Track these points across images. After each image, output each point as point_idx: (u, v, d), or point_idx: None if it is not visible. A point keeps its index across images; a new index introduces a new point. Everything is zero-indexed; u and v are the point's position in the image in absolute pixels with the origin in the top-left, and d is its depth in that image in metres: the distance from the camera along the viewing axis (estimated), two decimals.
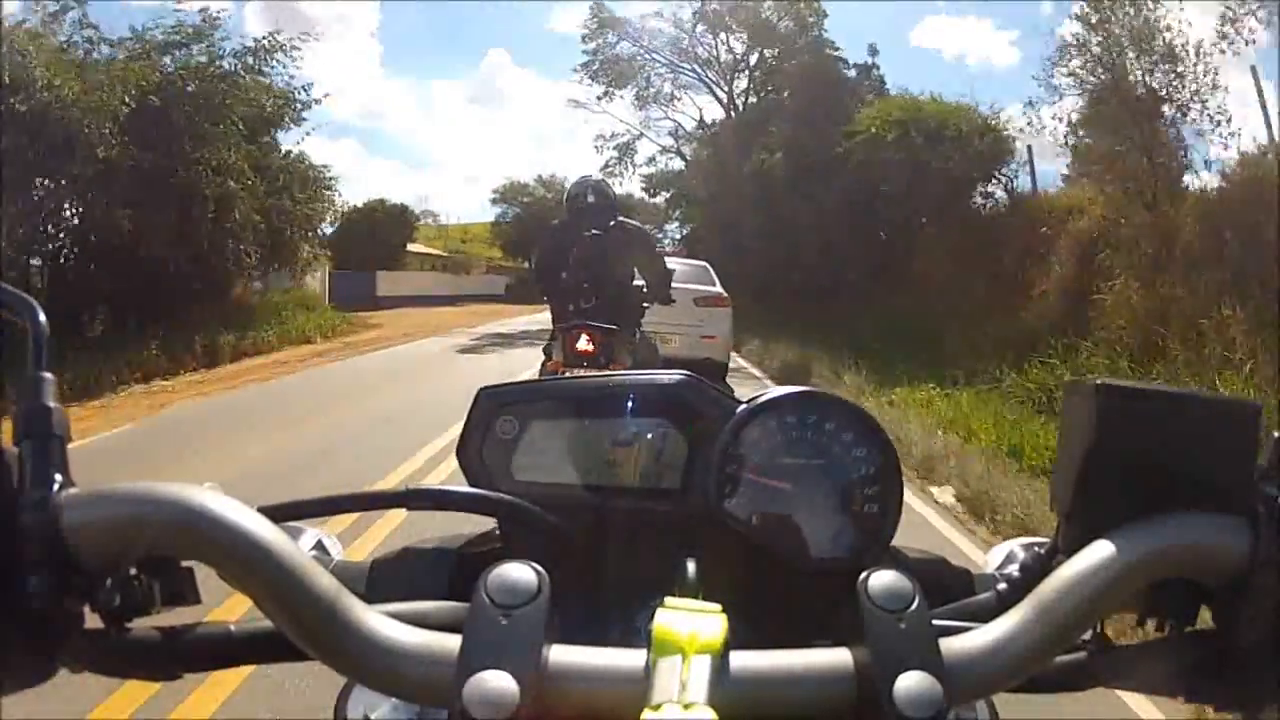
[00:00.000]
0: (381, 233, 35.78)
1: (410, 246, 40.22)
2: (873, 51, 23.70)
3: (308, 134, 14.77)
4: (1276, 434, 0.38)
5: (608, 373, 0.57)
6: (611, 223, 3.70)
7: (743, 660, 0.34)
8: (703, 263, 9.82)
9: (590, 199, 3.70)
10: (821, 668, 0.35)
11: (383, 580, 0.50)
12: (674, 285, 3.98)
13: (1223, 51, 8.02)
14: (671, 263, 4.74)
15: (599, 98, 29.51)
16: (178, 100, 10.14)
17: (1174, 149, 8.31)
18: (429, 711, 0.51)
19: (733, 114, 27.66)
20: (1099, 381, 0.39)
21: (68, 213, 9.98)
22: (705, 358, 7.84)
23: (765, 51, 27.00)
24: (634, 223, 4.11)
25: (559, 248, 3.72)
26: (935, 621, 0.36)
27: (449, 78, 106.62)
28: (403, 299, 29.37)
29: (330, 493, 0.47)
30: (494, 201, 48.66)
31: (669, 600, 0.36)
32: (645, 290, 3.78)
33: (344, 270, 29.49)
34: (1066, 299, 8.33)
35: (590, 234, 3.57)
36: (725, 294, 8.94)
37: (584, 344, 3.33)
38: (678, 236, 40.98)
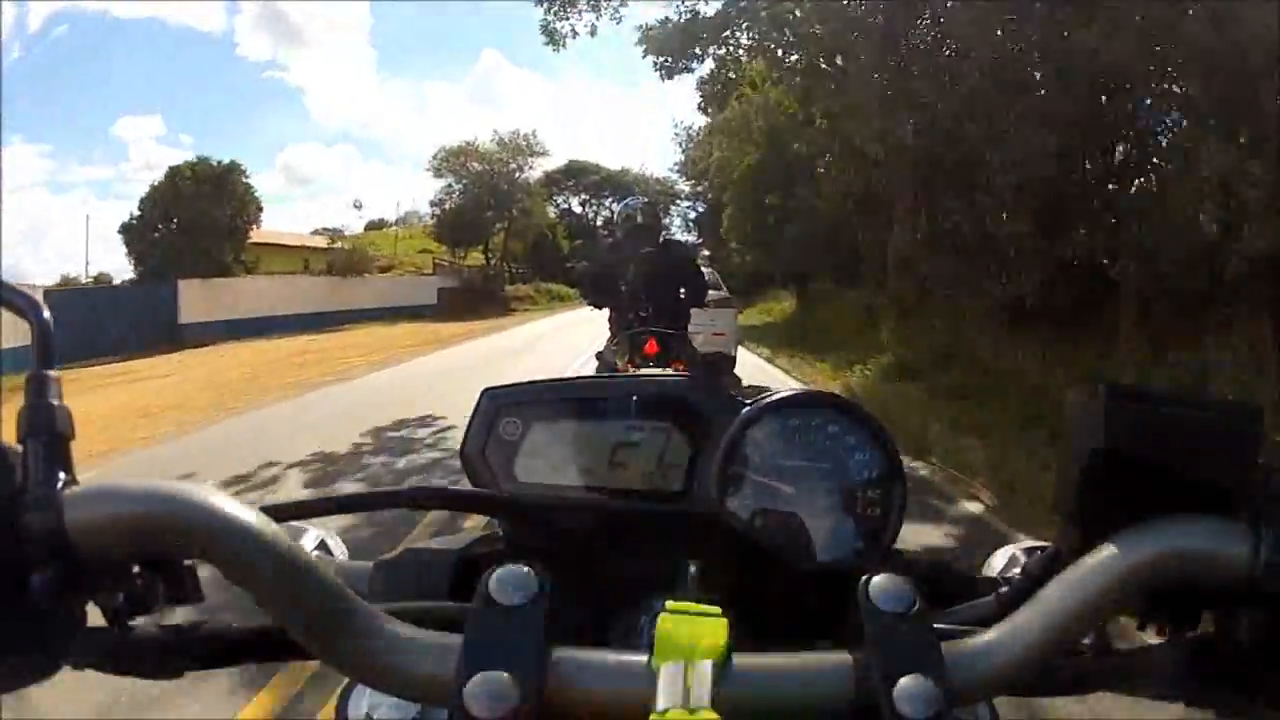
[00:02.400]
0: (193, 215, 20.93)
1: (260, 234, 25.21)
2: None
3: None
4: (1279, 437, 0.38)
5: (611, 374, 0.58)
6: (660, 239, 4.36)
7: (745, 663, 0.34)
8: (711, 270, 10.51)
9: (641, 220, 4.29)
10: (822, 670, 0.35)
11: (385, 580, 0.50)
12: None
13: None
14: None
15: None
16: None
17: None
18: (430, 711, 0.51)
19: None
20: (1102, 384, 0.39)
21: None
22: (716, 351, 8.71)
23: None
24: (678, 240, 5.49)
25: (615, 263, 4.28)
26: (936, 625, 0.36)
27: (444, 80, 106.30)
28: (234, 325, 17.79)
29: (334, 492, 0.47)
30: (436, 172, 34.42)
31: (670, 603, 0.36)
32: (684, 296, 4.28)
33: (105, 284, 19.41)
34: None
35: (646, 251, 4.14)
36: (730, 296, 10.54)
37: (652, 347, 3.90)
38: (692, 215, 37.78)
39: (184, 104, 69.02)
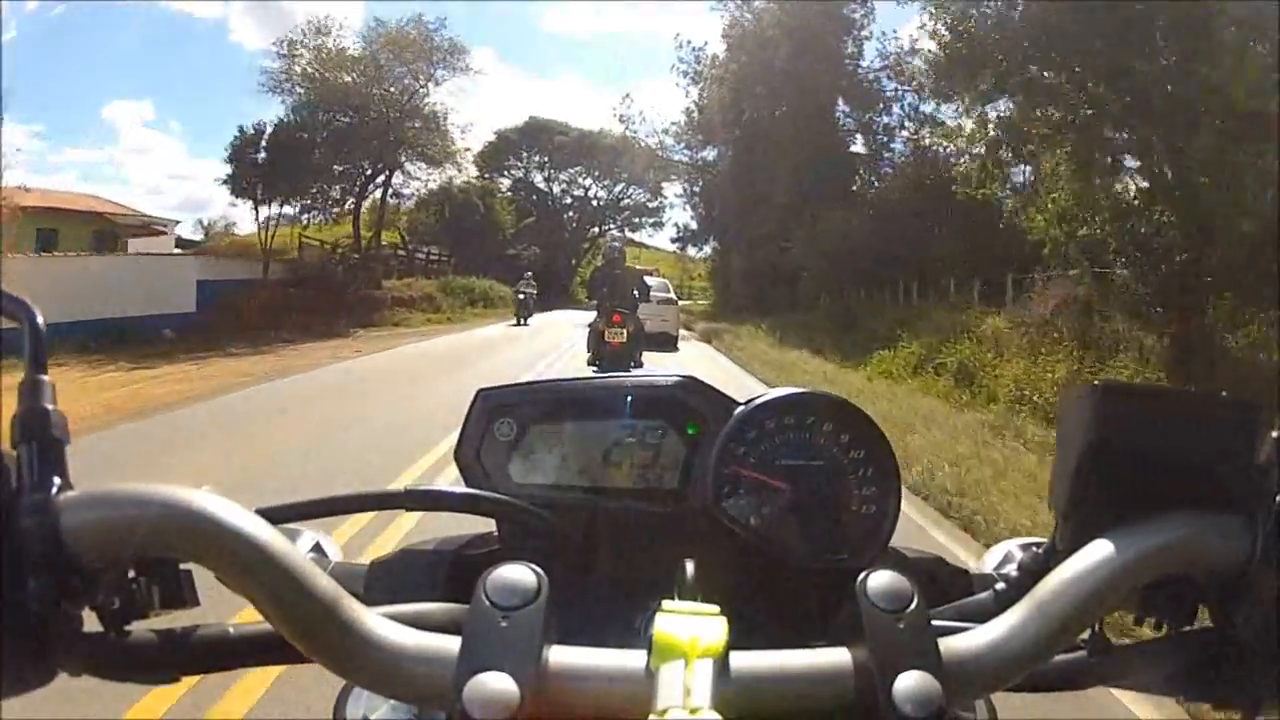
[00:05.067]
0: None
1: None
2: None
3: None
4: (1275, 434, 0.38)
5: (607, 375, 0.58)
6: (625, 265, 8.81)
7: (743, 662, 0.34)
8: (664, 279, 18.64)
9: (615, 255, 8.74)
10: (821, 668, 0.35)
11: (381, 582, 0.50)
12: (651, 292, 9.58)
13: None
14: (650, 280, 10.22)
15: None
16: None
17: None
18: (428, 713, 0.51)
19: None
20: (1098, 381, 0.39)
21: None
22: (662, 331, 14.11)
23: None
24: (636, 268, 9.88)
25: (603, 278, 8.41)
26: (934, 621, 0.36)
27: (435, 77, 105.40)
28: None
29: (328, 494, 0.47)
30: (280, 85, 20.65)
31: (667, 603, 0.36)
32: (637, 295, 8.29)
33: None
34: None
35: (617, 272, 8.33)
36: (674, 297, 16.79)
37: (616, 318, 7.91)
38: (695, 189, 29.72)
39: (175, 89, 67.98)
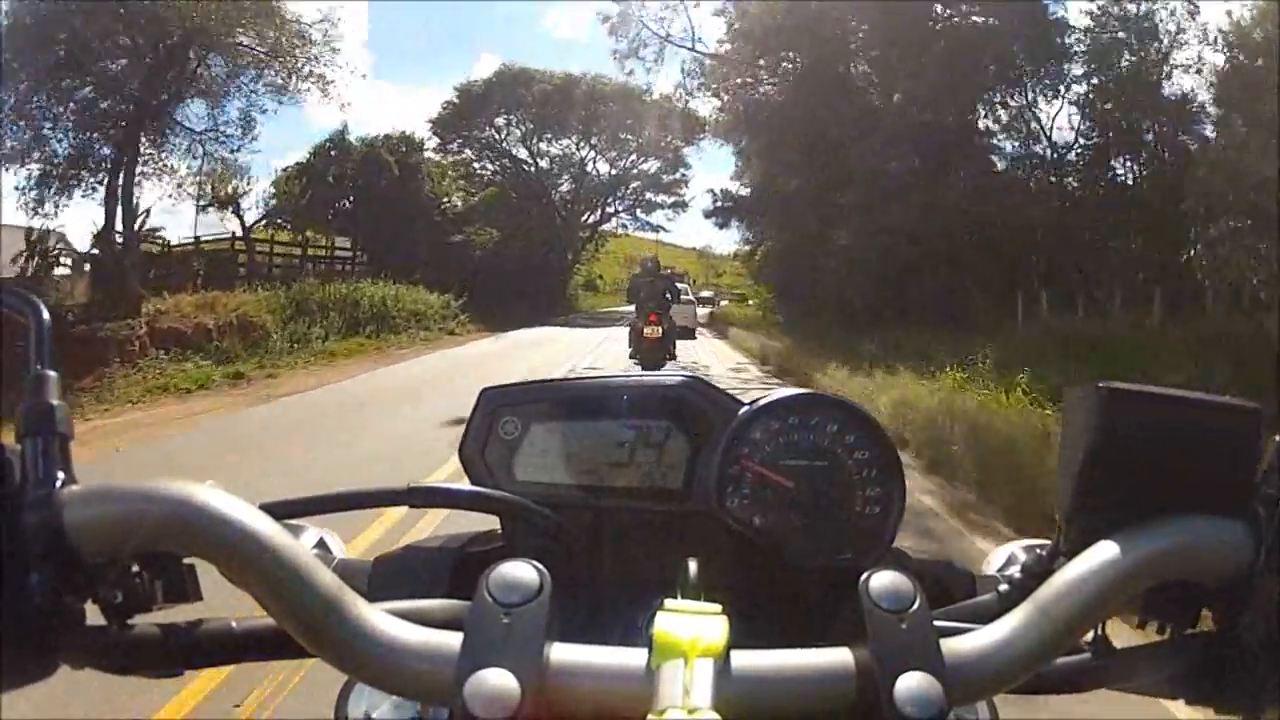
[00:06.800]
0: None
1: None
2: None
3: None
4: (1278, 437, 0.38)
5: (611, 374, 0.58)
6: (661, 273, 10.54)
7: (744, 661, 0.34)
8: (684, 285, 21.31)
9: (650, 265, 10.29)
10: (823, 668, 0.35)
11: (385, 578, 0.50)
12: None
13: None
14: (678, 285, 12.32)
15: None
16: None
17: None
18: (430, 710, 0.51)
19: None
20: (1101, 384, 0.39)
21: None
22: (684, 326, 15.51)
23: None
24: (667, 273, 11.95)
25: (639, 285, 9.85)
26: (937, 622, 0.36)
27: (439, 83, 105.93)
28: None
29: (332, 490, 0.47)
30: None
31: (669, 602, 0.36)
32: (669, 299, 9.75)
33: None
34: None
35: (651, 280, 9.79)
36: (693, 299, 21.76)
37: (653, 317, 9.31)
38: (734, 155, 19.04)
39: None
